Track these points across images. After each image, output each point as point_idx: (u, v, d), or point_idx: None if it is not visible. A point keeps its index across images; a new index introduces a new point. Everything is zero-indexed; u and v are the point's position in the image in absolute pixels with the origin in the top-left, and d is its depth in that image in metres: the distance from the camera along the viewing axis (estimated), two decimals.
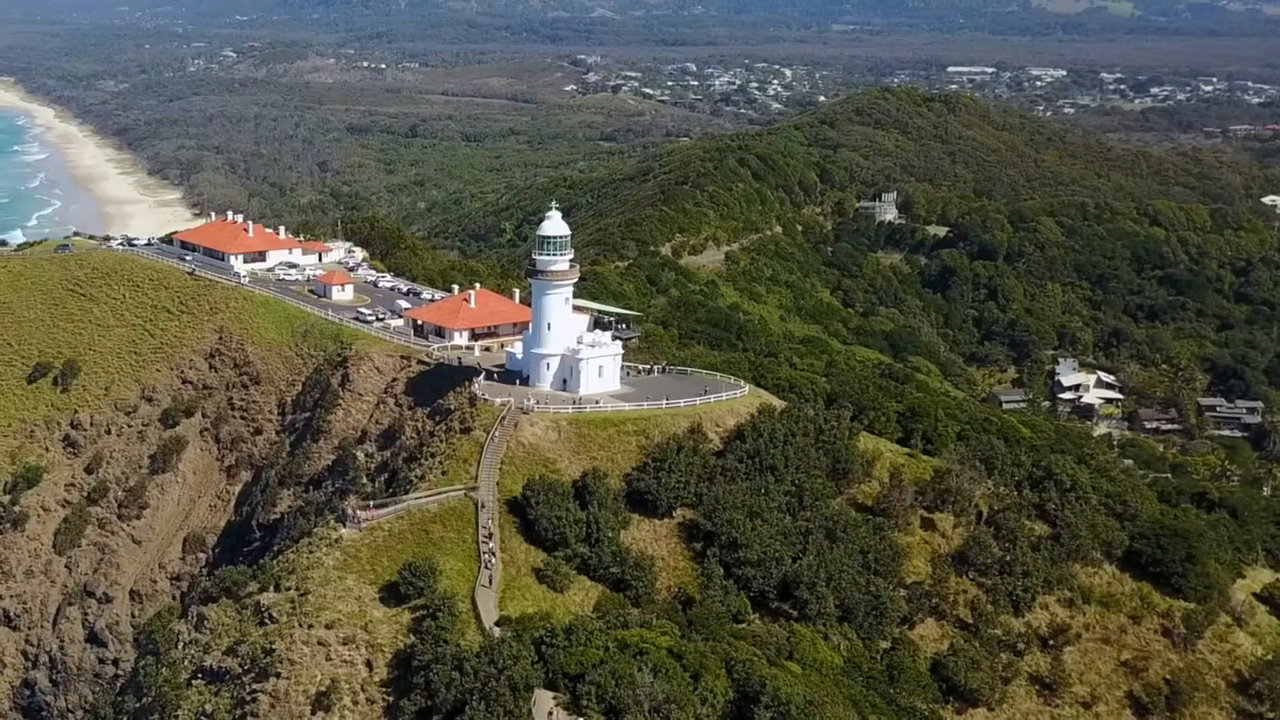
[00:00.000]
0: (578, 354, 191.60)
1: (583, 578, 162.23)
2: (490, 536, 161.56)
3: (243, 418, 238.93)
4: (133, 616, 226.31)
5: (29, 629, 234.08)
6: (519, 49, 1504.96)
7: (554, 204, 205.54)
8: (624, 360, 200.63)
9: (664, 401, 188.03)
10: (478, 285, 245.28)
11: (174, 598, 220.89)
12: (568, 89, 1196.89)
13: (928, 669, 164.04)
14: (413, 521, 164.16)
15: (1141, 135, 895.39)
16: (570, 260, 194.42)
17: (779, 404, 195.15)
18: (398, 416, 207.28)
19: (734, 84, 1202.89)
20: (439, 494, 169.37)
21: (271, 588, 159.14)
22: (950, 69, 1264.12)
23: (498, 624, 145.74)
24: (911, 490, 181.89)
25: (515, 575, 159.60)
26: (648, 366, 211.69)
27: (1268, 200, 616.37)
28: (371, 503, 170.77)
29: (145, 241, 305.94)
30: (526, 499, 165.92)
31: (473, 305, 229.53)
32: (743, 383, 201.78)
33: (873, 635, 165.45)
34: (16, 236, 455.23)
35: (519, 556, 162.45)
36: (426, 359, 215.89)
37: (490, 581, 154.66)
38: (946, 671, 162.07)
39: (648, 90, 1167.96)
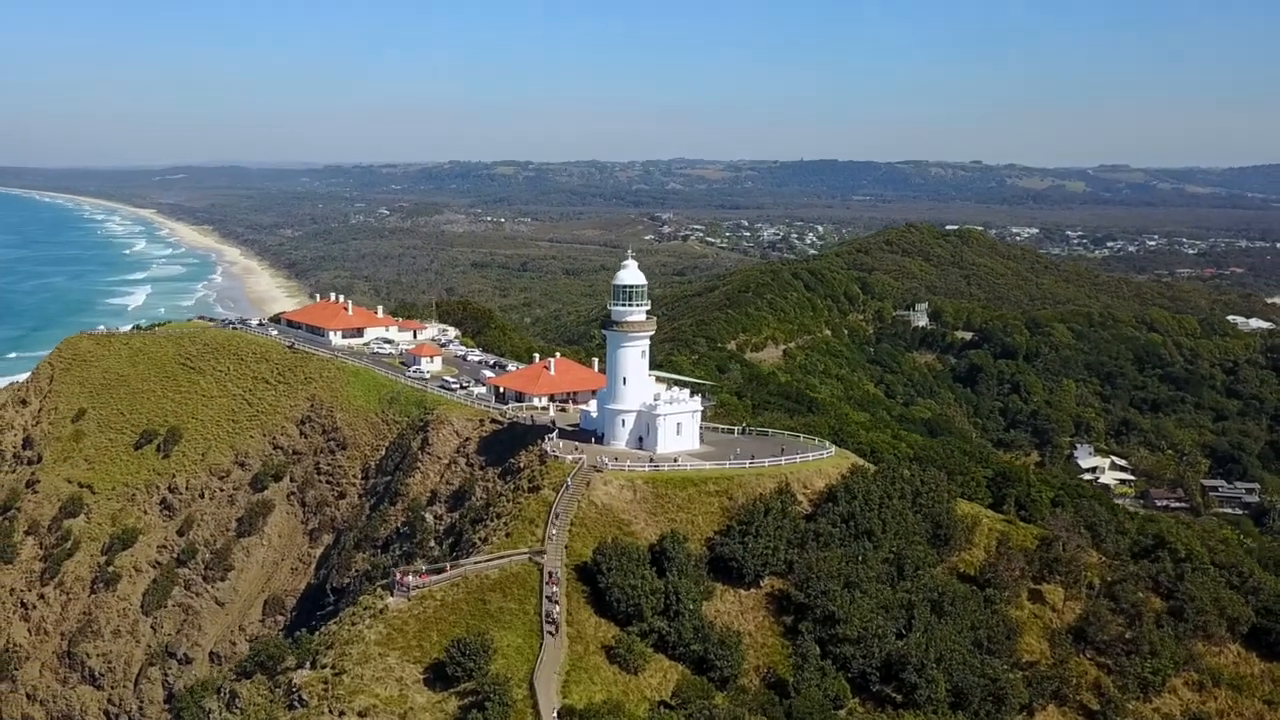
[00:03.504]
0: (655, 409, 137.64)
1: (660, 656, 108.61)
2: (552, 578, 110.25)
3: (328, 482, 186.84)
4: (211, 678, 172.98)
5: (112, 688, 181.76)
6: (609, 209, 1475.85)
7: (630, 252, 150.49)
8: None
9: (748, 461, 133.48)
10: (558, 354, 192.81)
11: None
12: (647, 238, 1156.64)
13: None
14: (469, 589, 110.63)
15: (1107, 276, 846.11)
16: (647, 312, 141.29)
17: (869, 465, 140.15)
18: (469, 476, 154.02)
19: (778, 235, 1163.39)
20: (501, 558, 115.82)
21: (307, 664, 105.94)
22: (947, 227, 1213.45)
23: (559, 715, 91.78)
24: (1020, 559, 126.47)
25: (583, 653, 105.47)
26: (737, 427, 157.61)
27: (1230, 319, 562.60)
28: (425, 568, 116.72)
29: (257, 322, 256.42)
30: (597, 564, 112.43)
31: (553, 373, 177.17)
32: (828, 443, 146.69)
33: None
34: None
35: (588, 631, 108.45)
36: (500, 418, 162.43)
37: (556, 632, 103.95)
38: None
39: (710, 239, 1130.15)
